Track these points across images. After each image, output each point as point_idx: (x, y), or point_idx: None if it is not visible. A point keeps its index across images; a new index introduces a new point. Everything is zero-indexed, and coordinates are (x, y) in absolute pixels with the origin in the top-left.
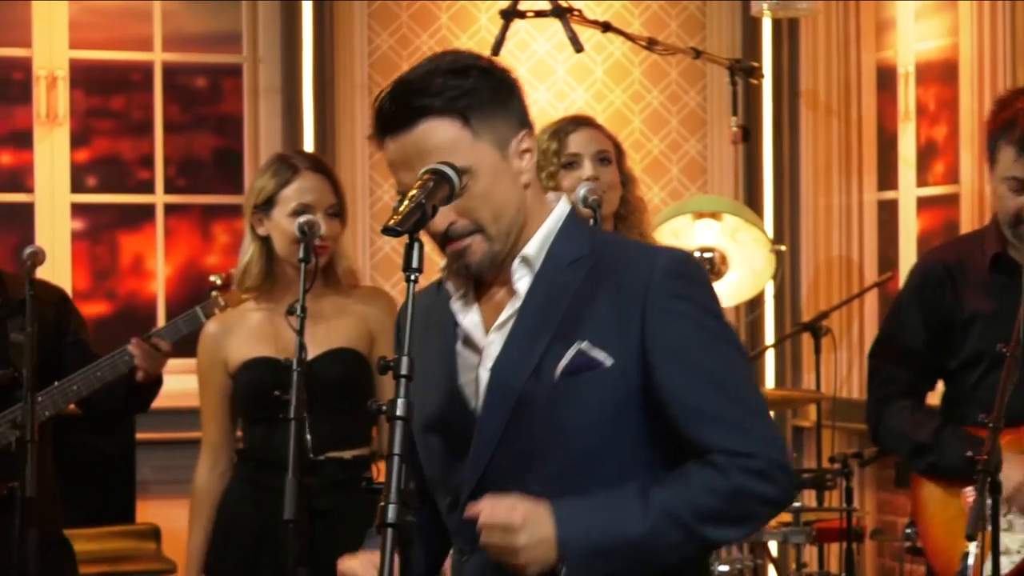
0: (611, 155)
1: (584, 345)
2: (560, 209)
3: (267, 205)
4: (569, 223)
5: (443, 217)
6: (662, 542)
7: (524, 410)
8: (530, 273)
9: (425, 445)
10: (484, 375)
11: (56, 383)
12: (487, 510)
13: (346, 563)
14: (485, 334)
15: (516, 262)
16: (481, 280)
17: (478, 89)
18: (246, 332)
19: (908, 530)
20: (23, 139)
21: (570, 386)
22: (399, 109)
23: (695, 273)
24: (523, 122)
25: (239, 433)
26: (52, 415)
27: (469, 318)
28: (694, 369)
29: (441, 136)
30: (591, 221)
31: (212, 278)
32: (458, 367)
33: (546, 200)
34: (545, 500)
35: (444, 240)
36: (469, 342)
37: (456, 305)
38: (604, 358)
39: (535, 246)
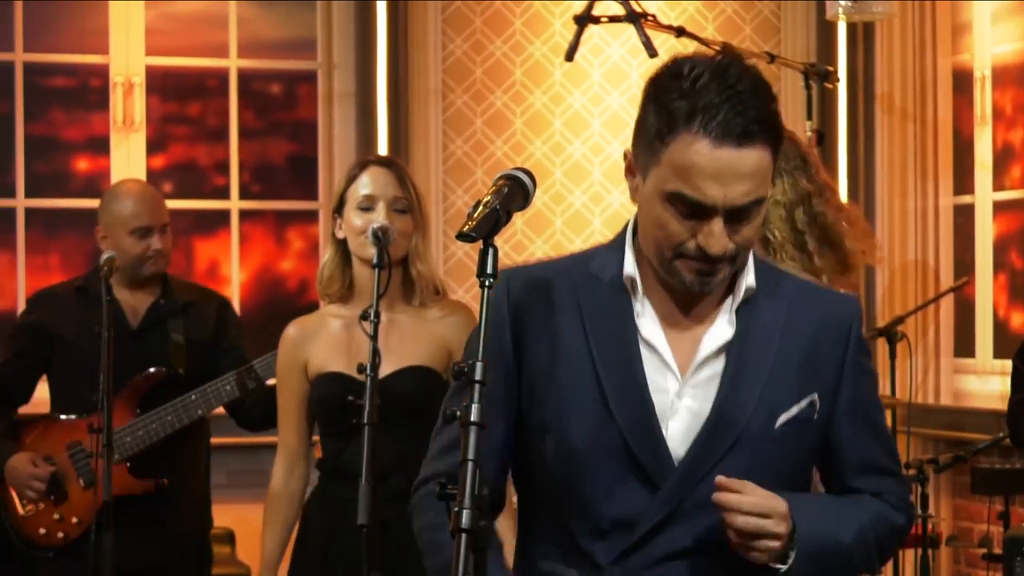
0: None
1: (816, 398)
2: None
3: (340, 206)
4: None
5: (722, 243)
6: (858, 557)
7: (742, 449)
8: (733, 304)
9: (577, 459)
10: (682, 405)
11: (208, 383)
12: (751, 498)
13: None
14: (672, 357)
15: (741, 295)
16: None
17: (782, 123)
18: (326, 340)
19: None
20: (100, 145)
21: (787, 434)
22: (750, 127)
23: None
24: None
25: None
26: (204, 414)
27: (658, 336)
28: (871, 425)
29: (762, 164)
30: None
31: None
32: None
33: None
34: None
35: (702, 258)
36: (658, 360)
37: (643, 313)
38: (818, 409)
39: (751, 277)
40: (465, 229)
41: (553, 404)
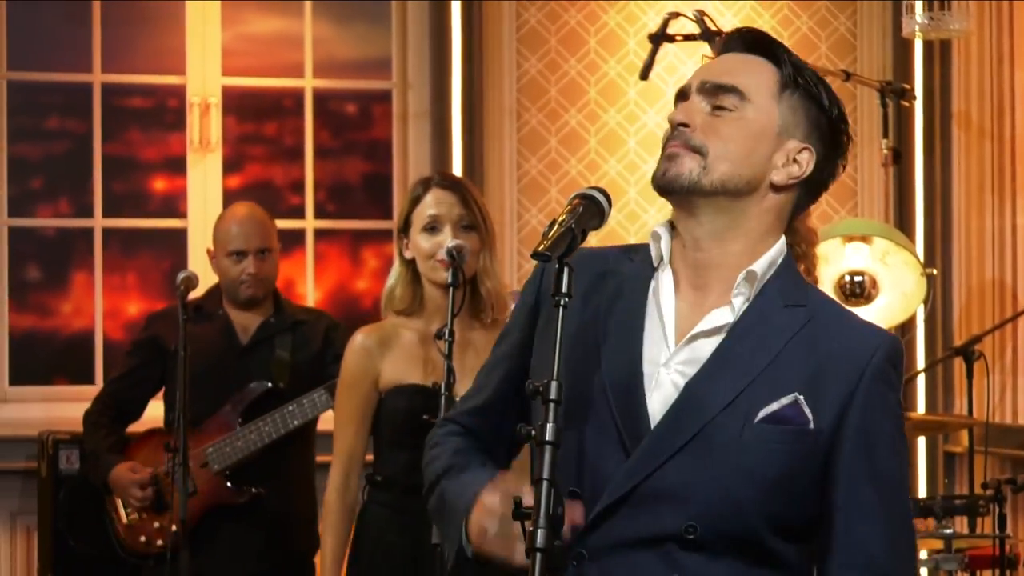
0: None
1: (800, 398)
2: (780, 245)
3: (406, 226)
4: (787, 265)
5: (690, 111)
6: None
7: (708, 440)
8: (747, 293)
9: (568, 415)
10: (668, 378)
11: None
12: None
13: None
14: (673, 330)
15: (741, 275)
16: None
17: (813, 83)
18: (402, 352)
19: None
20: (177, 165)
21: (765, 433)
22: (752, 35)
23: (902, 367)
24: (816, 145)
25: (369, 457)
26: (301, 424)
27: (667, 306)
28: (877, 464)
29: (760, 69)
30: None
31: None
32: (644, 353)
33: (772, 224)
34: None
35: (670, 136)
36: (660, 330)
37: (661, 283)
38: (810, 417)
39: (763, 266)
40: (540, 248)
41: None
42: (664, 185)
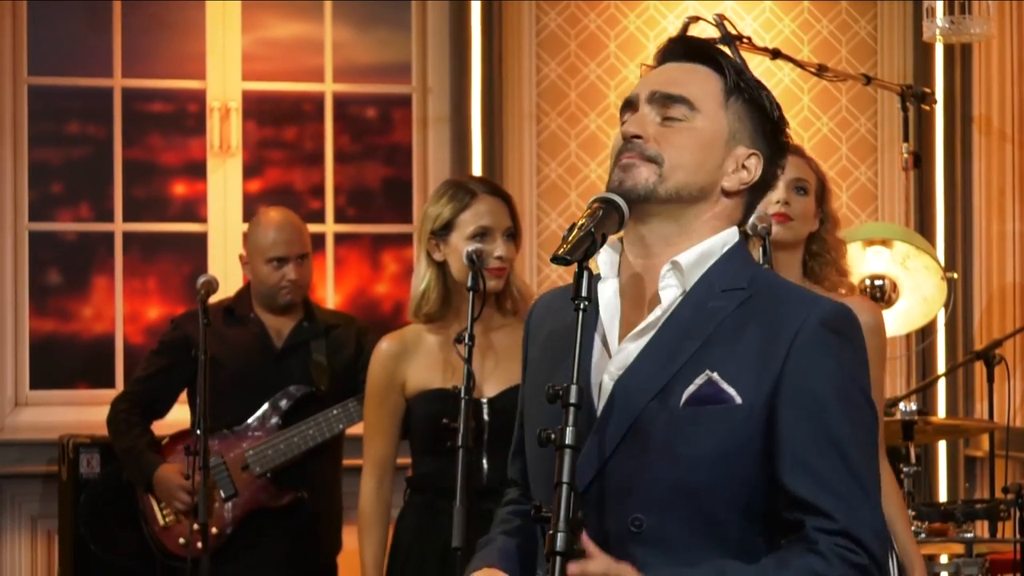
0: (809, 186)
1: (714, 376)
2: (727, 235)
3: (445, 230)
4: (733, 252)
5: (642, 122)
6: None
7: (642, 431)
8: (678, 285)
9: (532, 441)
10: (610, 383)
11: (349, 399)
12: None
13: None
14: (617, 336)
15: (665, 267)
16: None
17: (755, 89)
18: (425, 358)
19: None
20: (197, 170)
21: (692, 415)
22: (705, 46)
23: (851, 332)
24: (762, 149)
25: (402, 460)
26: (345, 428)
27: (609, 314)
28: (819, 427)
29: (704, 78)
30: (761, 250)
31: None
32: (592, 365)
33: (721, 227)
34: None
35: (623, 147)
36: (604, 341)
37: (604, 291)
38: (733, 394)
39: (689, 258)
40: (560, 252)
41: (530, 392)
42: (621, 195)
